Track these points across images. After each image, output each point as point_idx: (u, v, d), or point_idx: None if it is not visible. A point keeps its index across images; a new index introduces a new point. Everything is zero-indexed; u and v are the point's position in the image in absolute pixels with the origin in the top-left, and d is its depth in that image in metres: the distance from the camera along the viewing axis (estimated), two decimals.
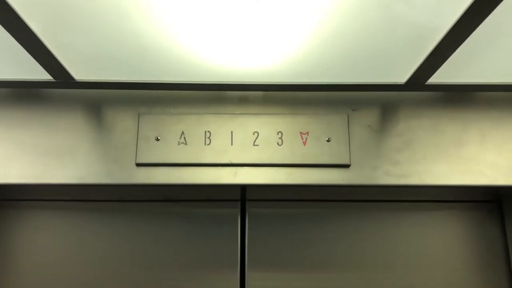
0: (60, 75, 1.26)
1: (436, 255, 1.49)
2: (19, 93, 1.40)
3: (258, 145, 1.35)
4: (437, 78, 1.27)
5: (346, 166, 1.34)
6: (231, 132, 1.36)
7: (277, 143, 1.35)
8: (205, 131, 1.36)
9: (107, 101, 1.39)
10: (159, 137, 1.35)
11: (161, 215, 1.52)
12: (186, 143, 1.34)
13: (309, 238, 1.50)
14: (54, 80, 1.29)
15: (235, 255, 1.47)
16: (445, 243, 1.50)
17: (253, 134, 1.36)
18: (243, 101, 1.40)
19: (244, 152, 1.34)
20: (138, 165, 1.33)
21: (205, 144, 1.34)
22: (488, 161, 1.35)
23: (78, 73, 1.28)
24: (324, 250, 1.49)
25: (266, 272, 1.47)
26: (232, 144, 1.35)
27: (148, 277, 1.46)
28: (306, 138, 1.35)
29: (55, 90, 1.39)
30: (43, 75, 1.27)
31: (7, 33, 1.05)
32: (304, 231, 1.51)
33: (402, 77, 1.29)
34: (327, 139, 1.35)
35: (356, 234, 1.51)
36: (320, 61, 1.21)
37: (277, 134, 1.36)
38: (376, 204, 1.53)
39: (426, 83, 1.30)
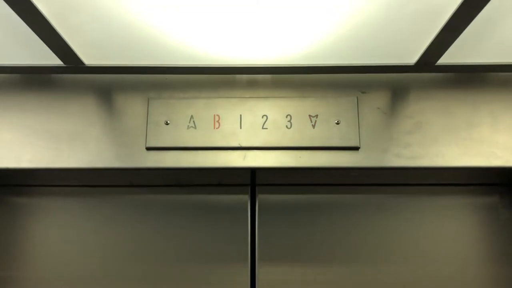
0: (71, 60, 1.28)
1: (448, 239, 1.47)
2: (31, 79, 1.41)
3: (267, 128, 1.35)
4: (447, 58, 1.26)
5: (356, 148, 1.33)
6: (240, 115, 1.36)
7: (286, 126, 1.35)
8: (214, 115, 1.36)
9: (117, 86, 1.40)
10: (168, 121, 1.35)
11: (171, 201, 1.52)
12: (195, 127, 1.35)
13: (320, 226, 1.49)
14: (64, 65, 1.31)
15: (245, 243, 1.47)
16: (456, 227, 1.49)
17: (262, 117, 1.36)
18: (251, 84, 1.40)
19: (253, 136, 1.34)
20: (148, 149, 1.34)
21: (214, 127, 1.35)
22: (500, 142, 1.33)
23: (88, 58, 1.30)
24: (336, 238, 1.48)
25: (277, 263, 1.46)
26: (241, 128, 1.35)
27: (155, 264, 1.46)
28: (315, 121, 1.35)
29: (66, 75, 1.41)
30: (54, 60, 1.28)
31: (18, 18, 1.06)
32: (316, 218, 1.49)
33: (411, 58, 1.28)
34: (336, 121, 1.35)
35: (368, 220, 1.49)
36: (328, 43, 1.21)
37: (286, 117, 1.36)
38: (387, 188, 1.52)
39: (436, 64, 1.29)
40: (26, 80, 1.41)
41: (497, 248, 1.47)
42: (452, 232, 1.49)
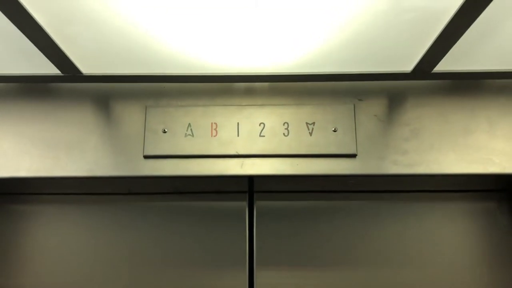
0: (68, 69, 1.28)
1: (446, 245, 1.47)
2: (28, 88, 1.42)
3: (264, 136, 1.35)
4: (443, 66, 1.26)
5: (353, 156, 1.33)
6: (238, 123, 1.36)
7: (283, 133, 1.35)
8: (212, 123, 1.36)
9: (114, 94, 1.40)
10: (166, 130, 1.36)
11: (169, 209, 1.52)
12: (193, 135, 1.35)
13: (318, 232, 1.49)
14: (62, 75, 1.31)
15: (243, 250, 1.47)
16: (454, 233, 1.49)
17: (259, 125, 1.36)
18: (249, 92, 1.40)
19: (250, 143, 1.34)
20: (146, 157, 1.34)
21: (211, 135, 1.35)
22: (497, 149, 1.33)
23: (86, 67, 1.30)
24: (334, 244, 1.47)
25: (275, 270, 1.45)
26: (238, 136, 1.35)
27: (154, 272, 1.46)
28: (312, 129, 1.35)
29: (63, 84, 1.41)
30: (51, 70, 1.29)
31: (15, 28, 1.07)
32: (313, 225, 1.49)
33: (408, 66, 1.28)
34: (333, 129, 1.35)
35: (365, 226, 1.49)
36: (325, 51, 1.21)
37: (283, 124, 1.36)
38: (384, 195, 1.52)
39: (433, 71, 1.30)
40: (24, 89, 1.42)
41: (495, 254, 1.47)
42: (450, 238, 1.48)
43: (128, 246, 1.49)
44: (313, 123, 1.36)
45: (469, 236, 1.49)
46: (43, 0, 1.00)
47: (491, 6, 0.98)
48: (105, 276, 1.47)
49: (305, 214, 1.51)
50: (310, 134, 1.35)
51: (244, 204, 1.51)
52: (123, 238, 1.49)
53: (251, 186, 1.50)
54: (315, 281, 1.45)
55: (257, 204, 1.51)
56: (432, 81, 1.39)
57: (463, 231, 1.49)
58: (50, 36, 1.11)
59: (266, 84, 1.41)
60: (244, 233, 1.49)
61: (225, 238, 1.48)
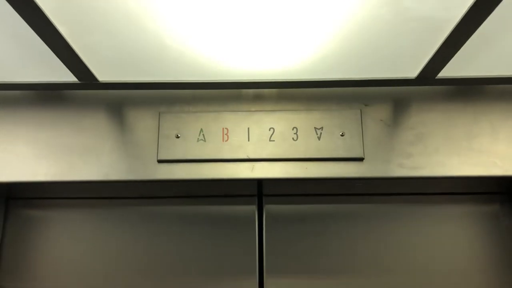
0: (85, 76, 1.32)
1: (449, 248, 1.51)
2: (45, 95, 1.46)
3: (274, 140, 1.39)
4: (447, 72, 1.30)
5: (360, 159, 1.37)
6: (248, 128, 1.41)
7: (293, 138, 1.39)
8: (223, 128, 1.41)
9: (128, 101, 1.45)
10: (179, 135, 1.40)
11: (180, 212, 1.56)
12: (205, 140, 1.39)
13: (327, 235, 1.52)
14: (79, 82, 1.35)
15: (253, 254, 1.50)
16: (457, 235, 1.52)
17: (269, 130, 1.40)
18: (258, 98, 1.45)
19: (260, 148, 1.38)
20: (160, 161, 1.38)
21: (223, 140, 1.39)
22: (499, 152, 1.37)
23: (102, 75, 1.34)
24: (342, 248, 1.51)
25: (285, 274, 1.48)
26: (249, 140, 1.39)
27: (164, 277, 1.49)
28: (321, 133, 1.39)
29: (79, 91, 1.45)
30: (68, 77, 1.33)
31: (37, 38, 1.11)
32: (322, 228, 1.52)
33: (412, 72, 1.33)
34: (341, 133, 1.39)
35: (374, 229, 1.52)
36: (332, 58, 1.25)
37: (292, 129, 1.40)
38: (391, 198, 1.56)
39: (437, 77, 1.34)
40: (41, 96, 1.46)
41: (498, 255, 1.51)
42: (453, 240, 1.52)
43: (138, 249, 1.52)
44: (321, 128, 1.40)
45: (472, 237, 1.52)
46: (65, 10, 1.04)
47: (492, 15, 1.02)
48: (117, 279, 1.50)
49: (314, 217, 1.55)
50: (319, 138, 1.39)
51: (254, 208, 1.55)
52: (134, 241, 1.53)
53: (260, 189, 1.54)
54: (325, 286, 1.47)
55: (266, 207, 1.55)
56: (436, 86, 1.43)
57: (466, 232, 1.53)
58: (70, 44, 1.15)
59: (274, 90, 1.45)
60: (254, 236, 1.52)
61: (235, 241, 1.52)
